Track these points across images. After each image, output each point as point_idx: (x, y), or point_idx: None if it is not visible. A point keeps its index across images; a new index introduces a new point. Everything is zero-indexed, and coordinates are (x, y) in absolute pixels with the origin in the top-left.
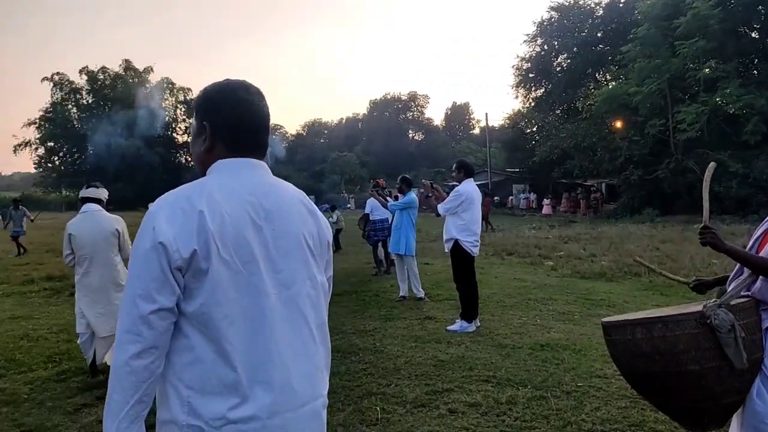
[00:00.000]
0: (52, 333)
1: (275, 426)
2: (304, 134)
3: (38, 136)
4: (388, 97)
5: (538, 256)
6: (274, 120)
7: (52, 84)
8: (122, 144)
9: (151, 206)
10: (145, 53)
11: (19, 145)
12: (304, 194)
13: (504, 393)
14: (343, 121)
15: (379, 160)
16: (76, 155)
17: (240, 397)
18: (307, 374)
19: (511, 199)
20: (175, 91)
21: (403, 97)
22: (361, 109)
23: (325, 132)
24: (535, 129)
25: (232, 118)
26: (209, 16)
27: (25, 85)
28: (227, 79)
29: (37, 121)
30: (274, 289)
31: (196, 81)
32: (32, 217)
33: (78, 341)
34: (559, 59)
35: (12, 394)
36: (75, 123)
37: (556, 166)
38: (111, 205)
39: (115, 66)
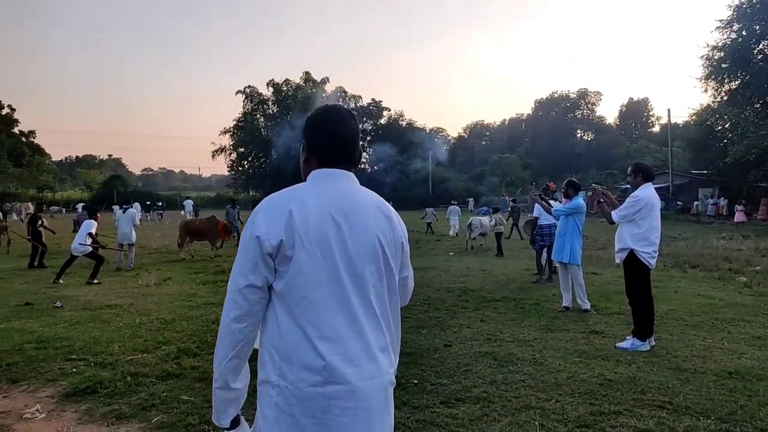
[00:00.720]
0: None
1: (346, 392)
2: (466, 137)
3: (232, 142)
4: (555, 95)
5: (729, 271)
6: (436, 123)
7: (244, 96)
8: (300, 148)
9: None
10: (322, 65)
11: (217, 151)
12: (383, 201)
13: (681, 422)
14: (506, 122)
15: (543, 161)
16: (261, 159)
17: (317, 367)
18: (373, 353)
19: (697, 205)
20: (347, 98)
21: (572, 95)
22: (526, 109)
23: (487, 134)
24: (727, 126)
25: (322, 137)
26: (377, 29)
27: (224, 98)
28: (325, 105)
29: (231, 129)
30: (347, 277)
31: (366, 89)
32: (241, 219)
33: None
34: (760, 46)
35: (204, 372)
36: (262, 130)
37: (754, 168)
38: None
39: (296, 78)
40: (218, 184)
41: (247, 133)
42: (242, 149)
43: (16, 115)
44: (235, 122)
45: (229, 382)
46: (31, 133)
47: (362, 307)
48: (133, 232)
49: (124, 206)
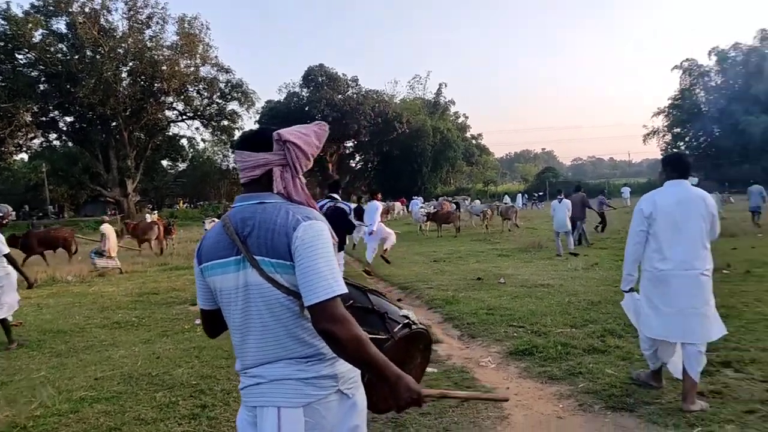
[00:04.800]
0: None
1: (671, 275)
2: None
3: (666, 123)
4: None
5: None
6: None
7: (681, 71)
8: (752, 122)
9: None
10: None
11: (648, 134)
12: (703, 192)
13: None
14: None
15: None
16: (701, 138)
17: (662, 261)
18: (691, 260)
19: None
20: None
21: None
22: None
23: None
24: None
25: (667, 165)
26: None
27: (654, 78)
28: None
29: (666, 109)
30: (681, 227)
31: None
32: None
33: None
34: None
35: (627, 352)
36: (702, 107)
37: None
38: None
39: (748, 39)
40: (649, 169)
41: (684, 112)
42: (678, 129)
43: (468, 122)
44: (670, 101)
45: (631, 273)
46: (479, 135)
47: (691, 238)
48: (568, 222)
49: (559, 197)
